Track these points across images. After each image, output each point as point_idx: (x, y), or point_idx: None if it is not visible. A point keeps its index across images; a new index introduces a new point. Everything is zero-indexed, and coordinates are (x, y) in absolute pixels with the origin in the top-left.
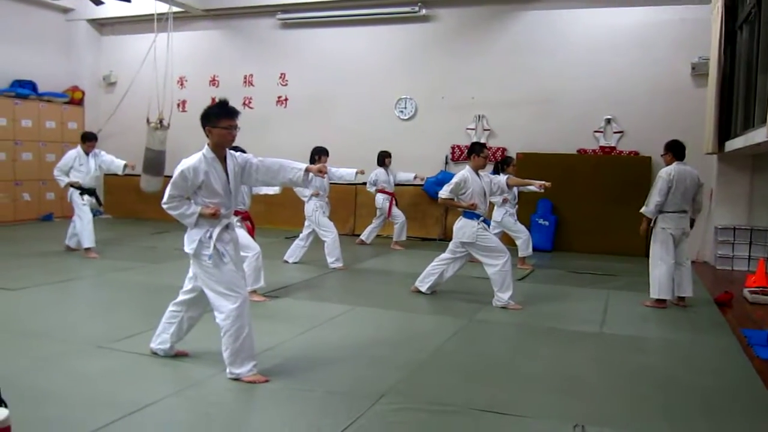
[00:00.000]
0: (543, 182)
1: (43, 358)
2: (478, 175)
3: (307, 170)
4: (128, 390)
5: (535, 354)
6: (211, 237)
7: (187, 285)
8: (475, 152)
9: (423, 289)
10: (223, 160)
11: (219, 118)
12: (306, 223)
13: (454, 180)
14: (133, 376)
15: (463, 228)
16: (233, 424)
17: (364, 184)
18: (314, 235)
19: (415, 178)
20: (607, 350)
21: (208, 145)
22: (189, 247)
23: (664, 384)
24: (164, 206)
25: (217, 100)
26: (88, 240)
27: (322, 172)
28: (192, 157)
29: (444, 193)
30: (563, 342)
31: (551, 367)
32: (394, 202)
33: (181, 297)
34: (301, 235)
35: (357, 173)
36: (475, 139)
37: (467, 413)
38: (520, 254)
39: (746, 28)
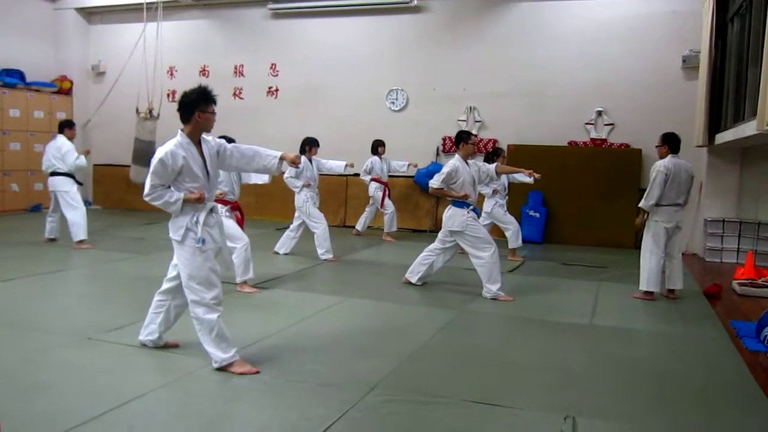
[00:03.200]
0: (531, 171)
1: (32, 351)
2: (467, 163)
3: (281, 158)
4: (118, 382)
5: (525, 345)
6: (197, 222)
7: (172, 272)
8: (463, 140)
9: (413, 280)
10: (198, 144)
11: (207, 103)
12: (296, 214)
13: (445, 170)
14: (123, 367)
15: (452, 217)
16: (223, 415)
17: (355, 175)
18: (304, 226)
19: (409, 166)
20: (597, 342)
21: (182, 131)
22: (176, 234)
23: (654, 375)
24: (147, 198)
25: (198, 86)
26: (83, 232)
27: (295, 163)
28: (167, 144)
29: (435, 183)
30: (554, 333)
31: (542, 358)
32: (386, 192)
33: (166, 285)
34: (291, 226)
35: (346, 166)
36: None
37: (458, 405)
38: (510, 246)
39: (737, 21)
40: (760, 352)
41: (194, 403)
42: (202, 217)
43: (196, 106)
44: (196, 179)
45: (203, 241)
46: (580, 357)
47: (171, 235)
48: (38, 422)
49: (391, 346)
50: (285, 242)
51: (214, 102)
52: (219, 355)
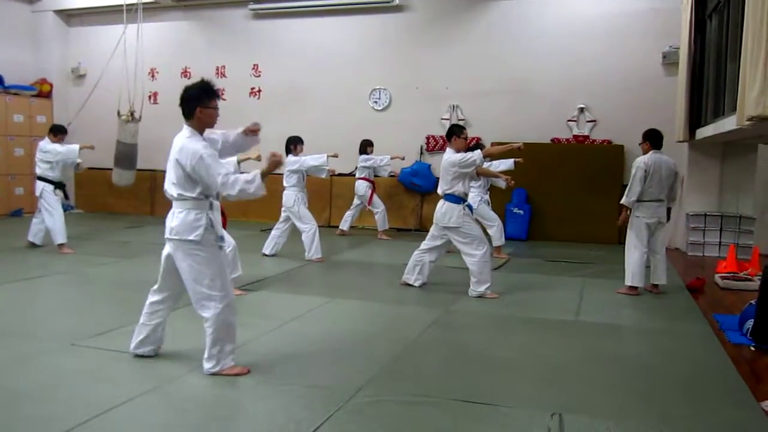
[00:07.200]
0: (508, 177)
1: (16, 357)
2: None
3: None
4: (104, 387)
5: (511, 343)
6: (212, 220)
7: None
8: (455, 134)
9: (411, 281)
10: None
11: (210, 98)
12: (282, 212)
13: (464, 156)
14: (108, 373)
15: (448, 212)
16: (210, 420)
17: (339, 175)
18: (291, 225)
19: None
20: (583, 338)
21: (191, 126)
22: (193, 235)
23: (639, 370)
24: (229, 190)
25: (200, 80)
26: (61, 236)
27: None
28: (196, 141)
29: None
30: (540, 330)
31: (528, 356)
32: (374, 190)
33: (158, 296)
34: (277, 225)
35: (329, 157)
36: None
37: (445, 404)
38: (494, 243)
39: (716, 17)
40: (743, 345)
41: (181, 408)
42: (217, 214)
43: (198, 102)
44: None
45: (222, 239)
46: (566, 353)
47: (184, 236)
48: (23, 429)
49: (377, 346)
50: (272, 242)
51: (217, 96)
52: (217, 365)
